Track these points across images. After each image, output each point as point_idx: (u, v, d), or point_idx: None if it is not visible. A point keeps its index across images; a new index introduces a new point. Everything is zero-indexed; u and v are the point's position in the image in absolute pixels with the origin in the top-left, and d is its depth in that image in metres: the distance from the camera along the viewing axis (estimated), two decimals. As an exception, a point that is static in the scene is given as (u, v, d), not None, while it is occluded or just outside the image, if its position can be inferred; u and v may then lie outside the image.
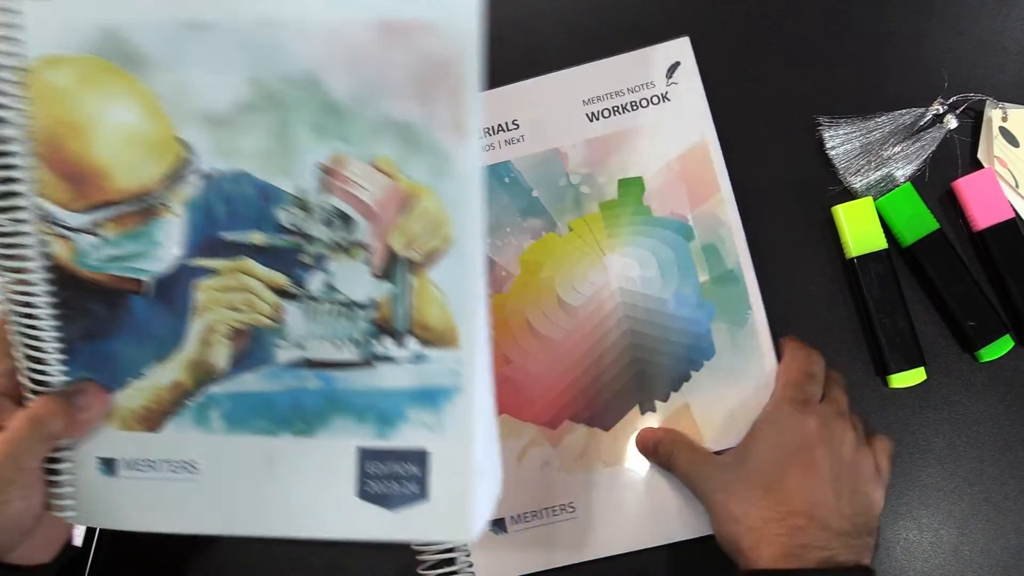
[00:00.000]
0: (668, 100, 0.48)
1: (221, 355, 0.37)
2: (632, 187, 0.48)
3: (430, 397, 0.36)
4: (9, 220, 0.35)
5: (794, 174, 0.50)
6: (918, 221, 0.47)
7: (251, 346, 0.37)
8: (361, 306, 0.36)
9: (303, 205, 0.36)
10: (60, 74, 0.35)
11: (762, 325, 0.46)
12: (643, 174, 0.48)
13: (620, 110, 0.49)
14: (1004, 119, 0.50)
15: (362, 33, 0.34)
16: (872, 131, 0.49)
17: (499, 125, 0.49)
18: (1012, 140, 0.50)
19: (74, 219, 0.36)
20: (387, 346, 0.36)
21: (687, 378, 0.46)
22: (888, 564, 0.45)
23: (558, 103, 0.49)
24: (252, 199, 0.36)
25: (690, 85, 0.49)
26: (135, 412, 0.37)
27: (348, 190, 0.36)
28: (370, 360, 0.36)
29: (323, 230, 0.36)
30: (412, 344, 0.36)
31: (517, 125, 0.49)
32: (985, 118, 0.50)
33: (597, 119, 0.48)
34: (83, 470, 0.37)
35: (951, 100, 0.49)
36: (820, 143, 0.50)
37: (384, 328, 0.36)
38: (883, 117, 0.50)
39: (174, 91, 0.35)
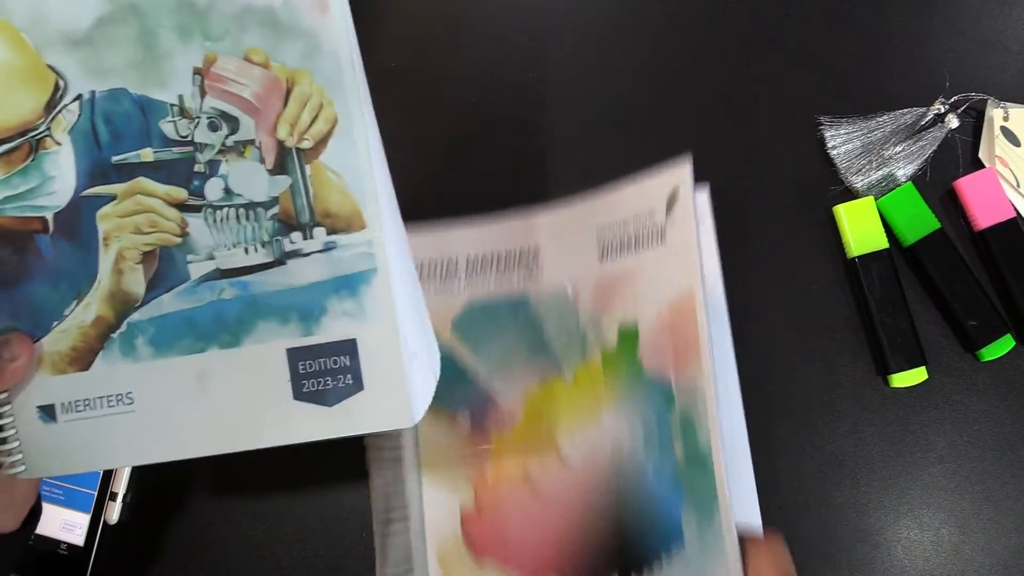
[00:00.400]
0: (665, 238, 0.42)
1: (136, 281, 0.36)
2: (629, 338, 0.43)
3: (347, 284, 0.35)
4: None
5: (795, 173, 0.50)
6: (919, 221, 0.47)
7: (163, 267, 0.36)
8: (263, 205, 0.36)
9: (185, 112, 0.35)
10: None
11: (728, 528, 0.39)
12: (639, 320, 0.43)
13: (627, 246, 0.44)
14: (1005, 119, 0.50)
15: None
16: (873, 131, 0.49)
17: (518, 252, 0.45)
18: (1013, 139, 0.50)
19: None
20: (296, 241, 0.35)
21: (660, 564, 0.42)
22: (889, 563, 0.46)
23: (573, 234, 0.45)
24: (134, 116, 0.35)
25: (685, 224, 0.42)
26: (63, 354, 0.36)
27: (226, 89, 0.35)
28: (282, 259, 0.36)
29: (210, 135, 0.35)
30: (320, 234, 0.35)
31: (535, 255, 0.45)
32: (986, 118, 0.50)
33: (606, 256, 0.44)
34: (24, 421, 0.36)
35: (952, 100, 0.49)
36: (821, 142, 0.50)
37: (289, 223, 0.35)
38: (884, 117, 0.50)
39: (32, 19, 0.35)
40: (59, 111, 0.35)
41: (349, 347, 0.35)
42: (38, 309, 0.36)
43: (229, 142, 0.36)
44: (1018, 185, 0.49)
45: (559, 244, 0.45)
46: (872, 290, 0.47)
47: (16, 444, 0.36)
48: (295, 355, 0.35)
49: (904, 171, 0.49)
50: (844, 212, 0.47)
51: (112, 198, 0.36)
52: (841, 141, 0.49)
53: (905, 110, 0.50)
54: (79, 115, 0.35)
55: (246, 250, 0.36)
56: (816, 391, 0.47)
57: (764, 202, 0.49)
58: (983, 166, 0.49)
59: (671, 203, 0.42)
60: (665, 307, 0.42)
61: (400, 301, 0.35)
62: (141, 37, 0.35)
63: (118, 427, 0.36)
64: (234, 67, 0.35)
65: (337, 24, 0.34)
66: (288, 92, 0.35)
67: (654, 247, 0.43)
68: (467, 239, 0.45)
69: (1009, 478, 0.46)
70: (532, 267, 0.45)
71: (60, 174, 0.36)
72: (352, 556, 0.45)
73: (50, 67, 0.35)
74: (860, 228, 0.47)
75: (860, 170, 0.49)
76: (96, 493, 0.46)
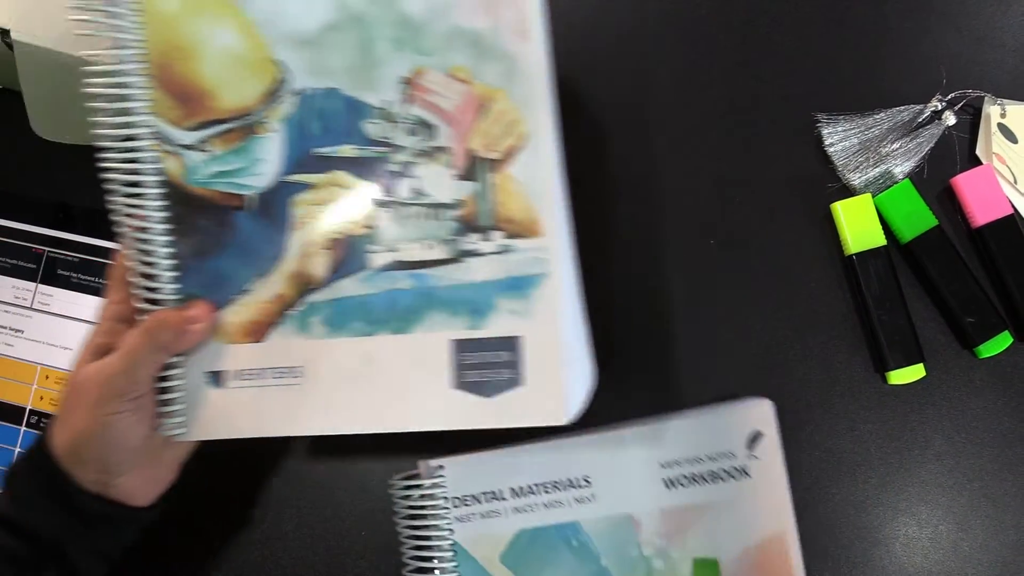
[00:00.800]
0: (748, 476, 0.43)
1: (319, 265, 0.39)
2: (708, 570, 0.43)
3: (517, 285, 0.38)
4: (127, 137, 0.38)
5: (793, 171, 0.50)
6: (917, 218, 0.47)
7: (347, 254, 0.39)
8: (447, 206, 0.39)
9: (389, 116, 0.39)
10: (170, 1, 0.38)
11: None
12: (719, 557, 0.43)
13: (699, 479, 0.43)
14: (1003, 115, 0.50)
15: None
16: (871, 128, 0.49)
17: (568, 480, 0.43)
18: (1011, 136, 0.50)
19: (184, 136, 0.39)
20: (474, 241, 0.38)
21: None
22: (887, 560, 0.46)
23: (633, 463, 0.43)
24: (341, 114, 0.39)
25: (772, 462, 0.43)
26: (241, 325, 0.39)
27: (429, 99, 0.39)
28: (458, 256, 0.38)
29: (408, 139, 0.39)
30: (497, 237, 0.38)
31: (588, 482, 0.43)
32: (984, 114, 0.50)
33: (674, 486, 0.43)
34: (192, 385, 0.39)
35: (950, 96, 0.49)
36: (819, 140, 0.50)
37: (470, 225, 0.38)
38: (882, 114, 0.50)
39: (268, 16, 0.38)
40: (277, 101, 0.39)
41: (512, 344, 0.38)
42: (224, 280, 0.39)
43: (425, 147, 0.39)
44: (1015, 182, 0.49)
45: (614, 472, 0.43)
46: (870, 287, 0.47)
47: (181, 407, 0.38)
48: (460, 346, 0.38)
49: (901, 168, 0.49)
50: (841, 209, 0.47)
51: (309, 186, 0.39)
52: (838, 138, 0.49)
53: (902, 107, 0.50)
54: (295, 107, 0.39)
55: (427, 246, 0.39)
56: (814, 388, 0.47)
57: (761, 199, 0.49)
58: (980, 163, 0.49)
59: (753, 442, 0.43)
60: (753, 546, 0.43)
61: (564, 306, 0.37)
62: (361, 45, 0.38)
63: (285, 397, 0.39)
64: (439, 81, 0.38)
65: (536, 50, 0.37)
66: (485, 108, 0.38)
67: (735, 481, 0.43)
68: (511, 467, 0.43)
69: (1007, 475, 0.46)
70: (585, 494, 0.43)
71: (267, 158, 0.39)
72: (353, 555, 0.45)
73: (276, 61, 0.38)
74: (857, 225, 0.47)
75: (857, 167, 0.49)
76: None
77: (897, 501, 0.46)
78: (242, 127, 0.39)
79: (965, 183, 0.48)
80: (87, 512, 0.36)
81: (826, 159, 0.50)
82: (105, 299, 0.39)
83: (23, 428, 0.47)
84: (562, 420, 0.37)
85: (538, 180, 0.38)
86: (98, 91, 0.37)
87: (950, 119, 0.49)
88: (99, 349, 0.37)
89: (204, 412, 0.39)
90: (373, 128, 0.39)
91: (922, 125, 0.49)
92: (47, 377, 0.48)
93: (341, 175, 0.39)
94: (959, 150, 0.50)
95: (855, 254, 0.47)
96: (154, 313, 0.37)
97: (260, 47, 0.39)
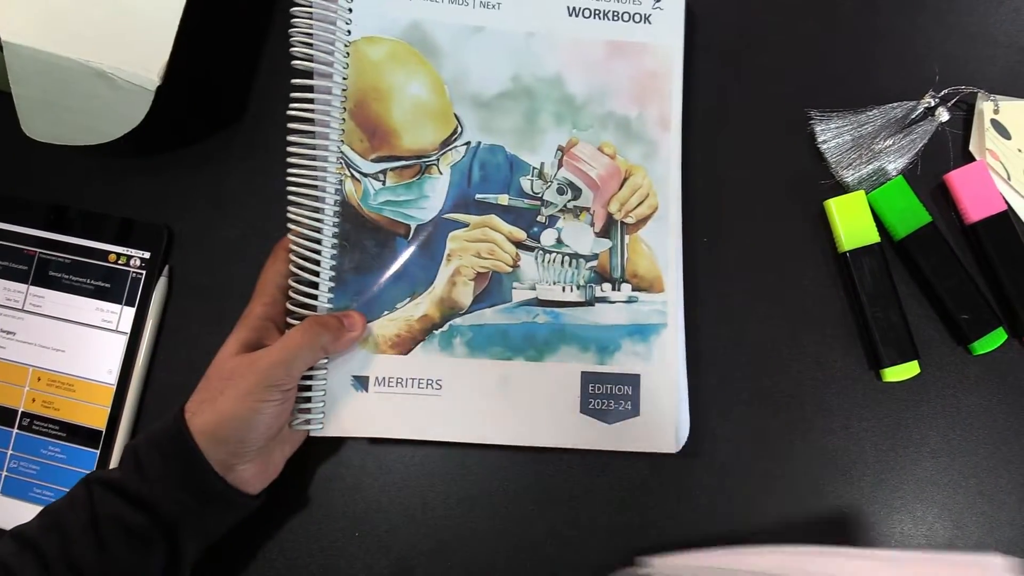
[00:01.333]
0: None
1: (465, 294, 0.45)
2: None
3: (641, 332, 0.45)
4: (319, 156, 0.43)
5: (786, 168, 0.49)
6: (910, 214, 0.47)
7: (491, 287, 0.45)
8: (585, 257, 0.45)
9: (543, 176, 0.46)
10: (375, 50, 0.45)
11: None
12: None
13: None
14: (996, 111, 0.50)
15: (597, 49, 0.47)
16: (864, 124, 0.49)
17: None
18: (1004, 132, 0.50)
19: (366, 166, 0.45)
20: (605, 290, 0.45)
21: None
22: (883, 558, 0.45)
23: None
24: (503, 168, 0.46)
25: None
26: (388, 338, 0.44)
27: (579, 166, 0.46)
28: (591, 301, 0.45)
29: (557, 196, 0.46)
30: (626, 289, 0.45)
31: None
32: (977, 111, 0.50)
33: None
34: (337, 385, 0.43)
35: (942, 93, 0.49)
36: (812, 137, 0.50)
37: (603, 276, 0.45)
38: (875, 110, 0.49)
39: (456, 77, 0.46)
40: (450, 149, 0.46)
41: (633, 380, 0.44)
42: (378, 297, 0.44)
43: (570, 205, 0.46)
44: (1008, 178, 0.49)
45: None
46: (863, 284, 0.47)
47: (320, 405, 0.43)
48: (587, 377, 0.44)
49: (895, 165, 0.49)
50: (835, 206, 0.47)
51: (464, 225, 0.45)
52: (831, 135, 0.49)
53: (895, 104, 0.50)
54: (463, 156, 0.46)
55: (563, 288, 0.45)
56: (808, 386, 0.47)
57: (755, 196, 0.49)
58: (974, 159, 0.49)
59: None
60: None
61: (677, 353, 0.45)
62: (527, 113, 0.46)
63: (424, 405, 0.44)
64: (589, 152, 0.46)
65: (673, 139, 0.47)
66: (624, 180, 0.46)
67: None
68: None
69: (1002, 472, 0.46)
70: None
71: (433, 196, 0.45)
72: (347, 557, 0.45)
73: (455, 115, 0.46)
74: (851, 222, 0.47)
75: (851, 164, 0.49)
76: (88, 496, 0.46)
77: (892, 499, 0.46)
78: (417, 166, 0.45)
79: (958, 179, 0.48)
80: (208, 492, 0.38)
81: (819, 156, 0.49)
82: (254, 299, 0.42)
83: (15, 430, 0.47)
84: (673, 449, 0.44)
85: (664, 245, 0.46)
86: (301, 113, 0.43)
87: (943, 115, 0.49)
88: (247, 343, 0.40)
89: (345, 412, 0.43)
90: (528, 184, 0.46)
91: (915, 122, 0.49)
92: (39, 379, 0.47)
93: (494, 219, 0.45)
94: (952, 146, 0.50)
95: (848, 251, 0.47)
96: (315, 317, 0.42)
97: (445, 102, 0.46)
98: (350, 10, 0.45)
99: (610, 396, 0.44)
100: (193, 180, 0.50)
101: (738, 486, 0.46)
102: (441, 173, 0.45)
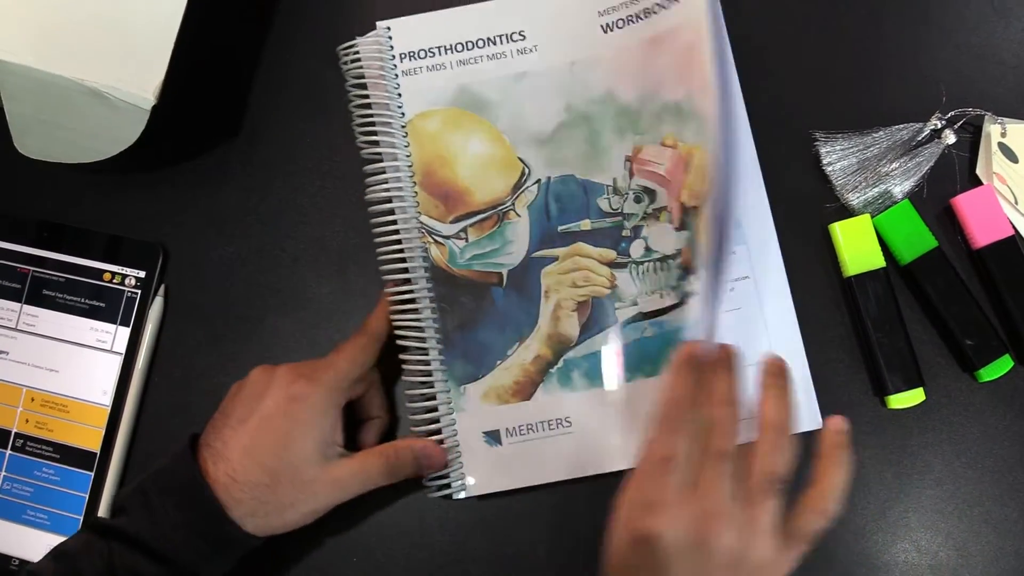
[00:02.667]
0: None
1: (571, 326, 0.45)
2: None
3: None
4: (401, 231, 0.45)
5: (790, 190, 0.49)
6: (916, 239, 0.47)
7: (594, 313, 0.45)
8: (672, 257, 0.45)
9: (617, 191, 0.46)
10: (431, 123, 0.47)
11: None
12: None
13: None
14: (1003, 134, 0.49)
15: (638, 52, 0.46)
16: (869, 147, 0.49)
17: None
18: (1011, 156, 0.49)
19: (446, 229, 0.46)
20: (692, 283, 0.44)
21: None
22: (887, 588, 0.45)
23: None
24: (577, 195, 0.46)
25: None
26: (507, 387, 0.44)
27: (648, 169, 0.46)
28: (684, 299, 0.44)
29: (635, 206, 0.45)
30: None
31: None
32: (984, 133, 0.49)
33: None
34: (471, 446, 0.44)
35: (949, 115, 0.49)
36: (816, 159, 0.49)
37: (688, 269, 0.44)
38: (880, 132, 0.49)
39: (511, 124, 0.47)
40: (522, 191, 0.46)
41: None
42: (486, 350, 0.45)
43: (649, 210, 0.46)
44: (1016, 202, 0.48)
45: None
46: (868, 310, 0.46)
47: (459, 468, 0.44)
48: None
49: (900, 188, 0.48)
50: (840, 230, 0.47)
51: (554, 259, 0.46)
52: (836, 157, 0.49)
53: (901, 125, 0.49)
54: (536, 195, 0.46)
55: (660, 295, 0.45)
56: (812, 413, 0.46)
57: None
58: (980, 183, 0.48)
59: None
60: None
61: (782, 317, 0.45)
62: (589, 137, 0.46)
63: (558, 446, 0.44)
64: (654, 152, 0.46)
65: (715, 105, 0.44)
66: (688, 164, 0.45)
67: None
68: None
69: (1008, 501, 0.46)
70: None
71: (517, 239, 0.46)
72: (345, 559, 0.45)
73: (520, 159, 0.46)
74: (856, 247, 0.46)
75: (856, 187, 0.48)
76: (82, 517, 0.46)
77: (896, 527, 0.45)
78: (494, 216, 0.46)
79: (965, 203, 0.47)
80: (226, 539, 0.38)
81: (824, 178, 0.49)
82: (339, 356, 0.42)
83: (8, 452, 0.47)
84: (807, 427, 0.43)
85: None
86: (377, 196, 0.45)
87: (950, 138, 0.48)
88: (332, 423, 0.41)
89: (483, 469, 0.44)
90: (605, 203, 0.46)
91: (921, 144, 0.49)
92: (32, 400, 0.47)
93: (582, 246, 0.45)
94: (959, 169, 0.49)
95: (853, 276, 0.46)
96: (399, 442, 0.43)
97: (507, 150, 0.46)
98: (399, 95, 0.47)
99: None
100: (188, 198, 0.49)
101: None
102: (519, 215, 0.46)
